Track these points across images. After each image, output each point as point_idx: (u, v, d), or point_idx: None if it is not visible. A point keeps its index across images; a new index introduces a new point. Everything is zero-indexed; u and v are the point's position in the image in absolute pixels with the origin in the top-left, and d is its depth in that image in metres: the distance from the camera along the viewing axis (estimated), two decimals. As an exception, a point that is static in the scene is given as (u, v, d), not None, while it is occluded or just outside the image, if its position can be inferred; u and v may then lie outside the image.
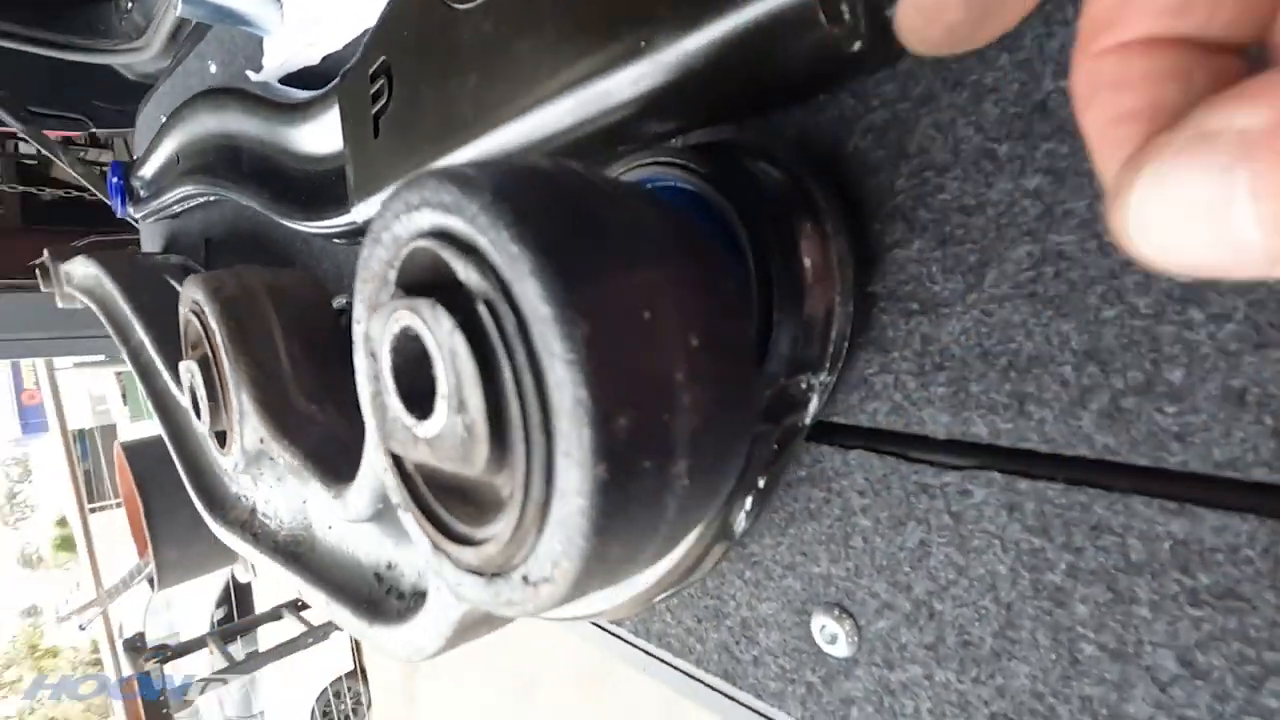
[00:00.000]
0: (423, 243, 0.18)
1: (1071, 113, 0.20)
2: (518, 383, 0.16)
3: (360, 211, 0.46)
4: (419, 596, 0.29)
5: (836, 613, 0.29)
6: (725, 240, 0.23)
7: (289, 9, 0.74)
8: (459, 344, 0.17)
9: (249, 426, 0.38)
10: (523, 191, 0.16)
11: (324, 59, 0.70)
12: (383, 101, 0.41)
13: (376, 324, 0.20)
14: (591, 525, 0.16)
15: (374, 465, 0.26)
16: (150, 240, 1.40)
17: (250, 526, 0.48)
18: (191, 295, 0.40)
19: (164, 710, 3.56)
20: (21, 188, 2.69)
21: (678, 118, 0.28)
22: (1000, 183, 0.23)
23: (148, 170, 1.13)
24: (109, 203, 1.31)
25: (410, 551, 0.32)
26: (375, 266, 0.21)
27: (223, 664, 4.21)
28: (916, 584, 0.27)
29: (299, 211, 0.59)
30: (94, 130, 1.69)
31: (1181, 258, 0.09)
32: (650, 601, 0.32)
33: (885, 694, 0.28)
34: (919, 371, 0.26)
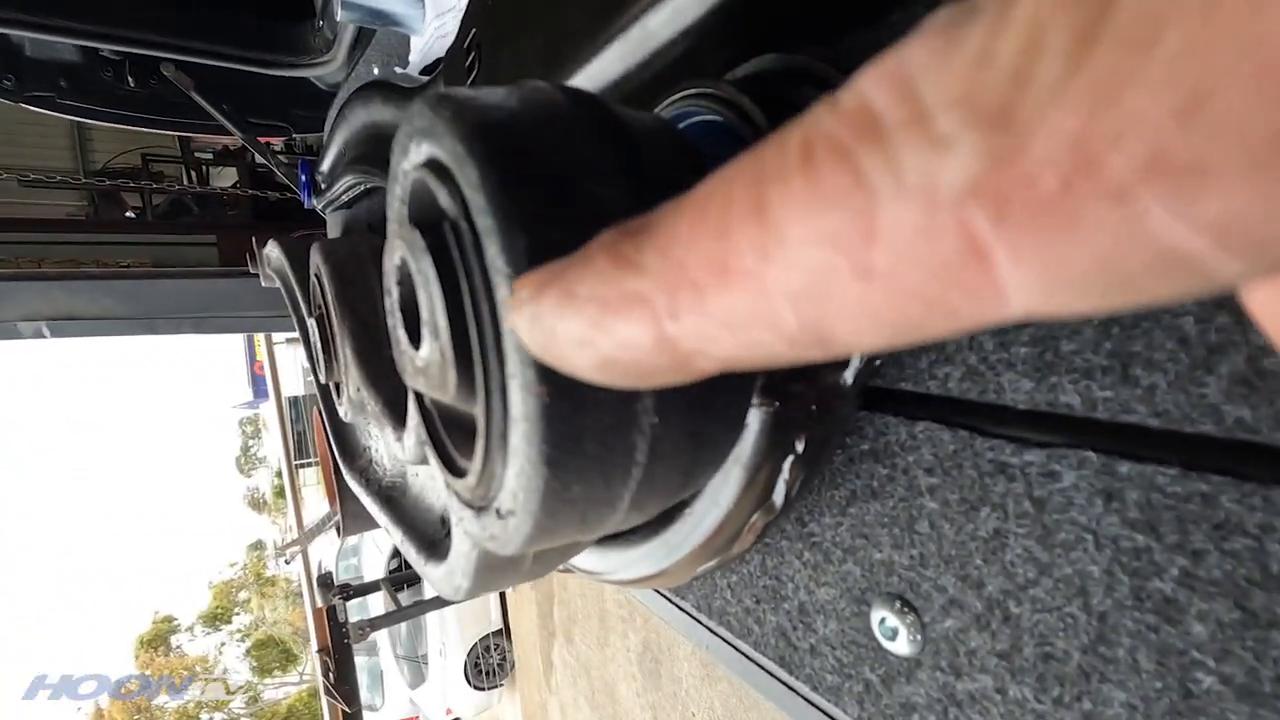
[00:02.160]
0: (419, 174, 0.18)
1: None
2: (475, 303, 0.15)
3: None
4: (462, 539, 0.29)
5: (898, 605, 0.26)
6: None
7: (430, 6, 0.79)
8: (428, 268, 0.16)
9: (351, 376, 0.42)
10: (489, 110, 0.16)
11: (454, 49, 0.75)
12: (474, 73, 0.43)
13: (388, 259, 0.20)
14: (540, 454, 0.15)
15: (411, 405, 0.27)
16: (332, 228, 1.59)
17: (366, 473, 0.54)
18: (314, 260, 0.45)
19: (345, 640, 4.13)
20: (252, 191, 3.21)
21: (728, 49, 0.26)
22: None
23: (325, 165, 1.28)
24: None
25: (465, 498, 0.33)
26: (394, 204, 0.21)
27: (392, 607, 4.77)
28: (990, 581, 0.23)
29: None
30: (294, 135, 1.96)
31: None
32: (695, 570, 0.30)
33: (950, 704, 0.24)
34: (998, 329, 0.22)
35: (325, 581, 4.29)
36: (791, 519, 0.31)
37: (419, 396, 0.23)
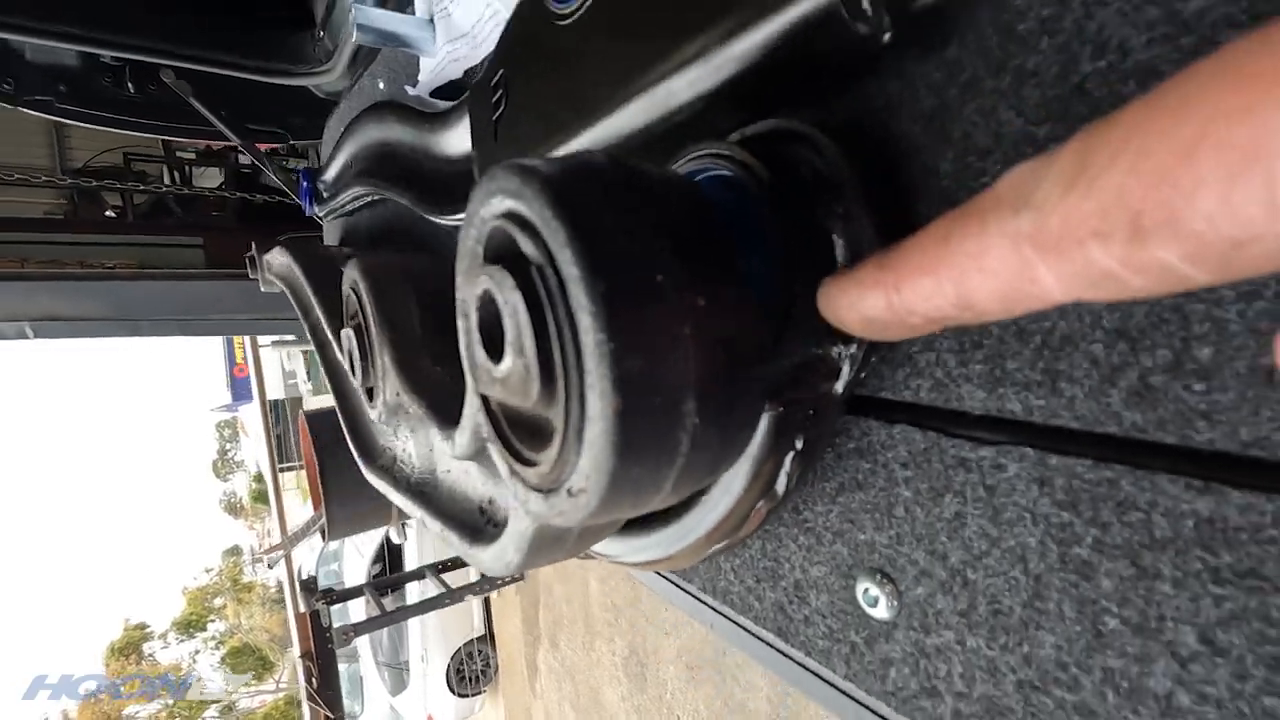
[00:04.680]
0: (498, 222, 0.23)
1: (1107, 93, 0.21)
2: (559, 331, 0.20)
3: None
4: (507, 524, 0.34)
5: (879, 578, 0.31)
6: (755, 222, 0.26)
7: (440, 30, 0.84)
8: (517, 301, 0.21)
9: (389, 382, 0.46)
10: (566, 181, 0.21)
11: (465, 72, 0.79)
12: (500, 110, 0.48)
13: (467, 289, 0.25)
14: (612, 446, 0.20)
15: (472, 408, 0.32)
16: (330, 235, 1.62)
17: (391, 471, 0.58)
18: (351, 275, 0.49)
19: (328, 645, 4.10)
20: (238, 194, 3.21)
21: (736, 113, 0.31)
22: (1037, 164, 0.24)
23: (329, 175, 1.31)
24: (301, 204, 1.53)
25: (504, 488, 0.37)
26: (468, 244, 0.26)
27: (376, 612, 4.75)
28: (952, 553, 0.28)
29: (436, 206, 0.68)
30: (291, 142, 1.98)
31: None
32: (705, 552, 0.35)
33: (921, 656, 0.29)
34: (959, 349, 0.27)
35: (309, 586, 4.26)
36: (789, 508, 0.36)
37: (485, 401, 0.27)
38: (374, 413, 0.51)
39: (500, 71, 0.47)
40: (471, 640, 6.28)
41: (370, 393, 0.51)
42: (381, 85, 1.14)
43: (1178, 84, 0.13)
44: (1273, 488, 0.19)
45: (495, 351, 0.24)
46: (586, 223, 0.20)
